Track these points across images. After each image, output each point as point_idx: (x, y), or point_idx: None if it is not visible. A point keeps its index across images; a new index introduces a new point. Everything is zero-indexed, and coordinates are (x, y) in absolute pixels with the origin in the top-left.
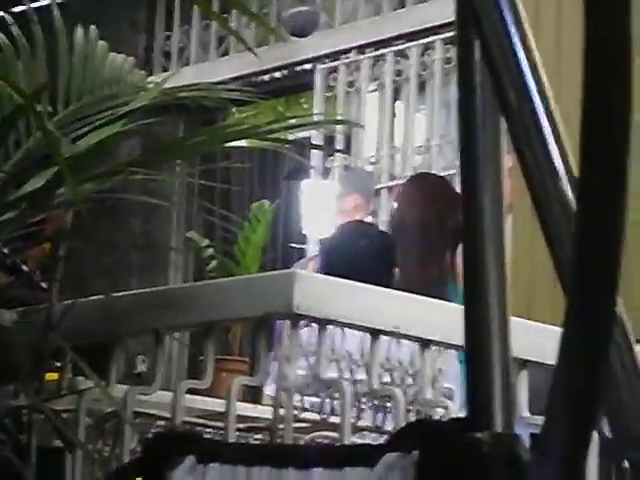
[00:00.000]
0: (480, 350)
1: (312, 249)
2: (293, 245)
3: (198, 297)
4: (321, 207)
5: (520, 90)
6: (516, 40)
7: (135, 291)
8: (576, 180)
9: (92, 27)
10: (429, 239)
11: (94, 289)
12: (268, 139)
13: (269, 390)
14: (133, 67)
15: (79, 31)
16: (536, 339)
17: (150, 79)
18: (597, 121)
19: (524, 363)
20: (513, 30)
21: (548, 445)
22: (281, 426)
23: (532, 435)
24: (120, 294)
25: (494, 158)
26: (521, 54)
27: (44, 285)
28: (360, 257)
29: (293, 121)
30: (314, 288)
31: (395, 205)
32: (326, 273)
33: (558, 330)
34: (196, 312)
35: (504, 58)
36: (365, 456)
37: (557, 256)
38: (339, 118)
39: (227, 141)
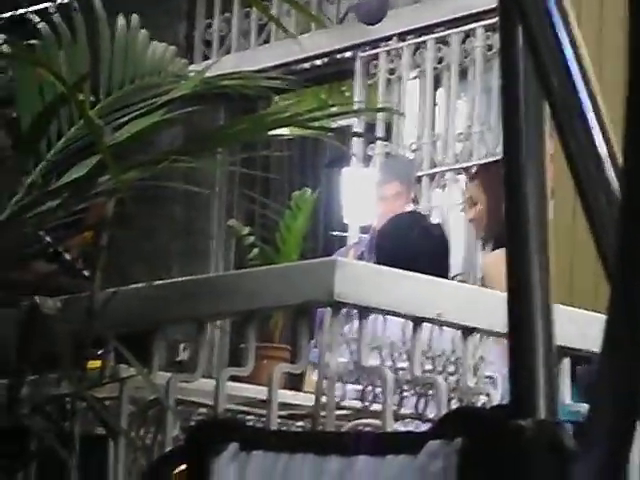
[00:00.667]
0: (523, 337)
1: (353, 237)
2: (334, 233)
3: (239, 285)
4: (362, 195)
5: (563, 76)
6: (559, 26)
7: (177, 279)
8: (620, 168)
9: (134, 15)
10: None
11: (135, 277)
12: (310, 127)
13: (312, 377)
14: (174, 56)
15: (120, 20)
16: (578, 326)
17: (191, 68)
18: None
19: (566, 350)
20: (556, 16)
21: (593, 434)
22: (323, 413)
23: (575, 423)
24: (161, 282)
25: (538, 144)
26: (564, 40)
27: (86, 273)
28: (415, 248)
29: (334, 109)
30: (355, 275)
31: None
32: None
33: (600, 317)
34: (237, 300)
35: (547, 44)
36: (408, 443)
37: (600, 243)
38: (380, 106)
39: (269, 129)
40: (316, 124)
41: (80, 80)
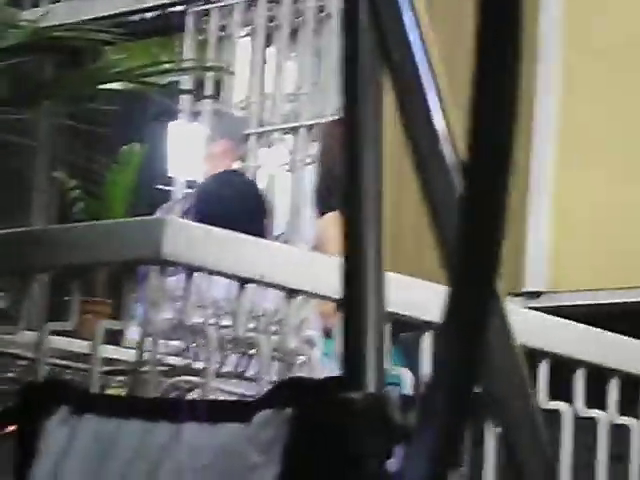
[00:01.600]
0: (355, 309)
1: (178, 192)
2: (159, 187)
3: (67, 239)
4: (188, 150)
5: (404, 47)
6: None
7: (1, 231)
8: (464, 160)
9: None
10: None
11: None
12: (141, 83)
13: (132, 333)
14: (4, 3)
15: None
16: (403, 292)
17: (23, 15)
18: (484, 108)
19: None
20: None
21: (428, 409)
22: (144, 369)
23: (404, 396)
24: None
25: (375, 108)
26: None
27: None
28: (232, 207)
29: (166, 66)
30: (183, 235)
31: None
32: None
33: (423, 283)
34: (64, 254)
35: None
36: (239, 412)
37: (438, 224)
38: (210, 64)
39: (100, 84)
40: (148, 80)
41: None
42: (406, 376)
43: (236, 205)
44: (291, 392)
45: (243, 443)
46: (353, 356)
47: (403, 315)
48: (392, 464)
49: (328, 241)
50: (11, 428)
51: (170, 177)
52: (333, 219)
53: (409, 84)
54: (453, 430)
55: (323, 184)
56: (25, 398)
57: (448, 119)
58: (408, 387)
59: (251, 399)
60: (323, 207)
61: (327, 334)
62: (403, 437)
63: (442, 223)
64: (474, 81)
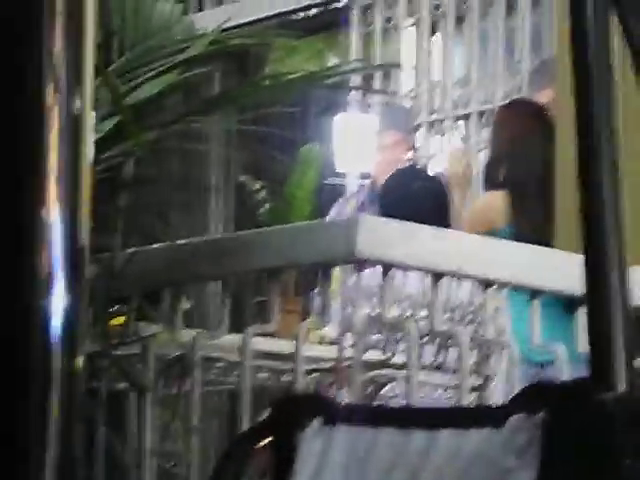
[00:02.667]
0: (600, 307)
1: (350, 185)
2: (332, 182)
3: (263, 243)
4: (358, 142)
5: None
6: None
7: (199, 238)
8: None
9: None
10: None
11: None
12: (313, 85)
13: (329, 331)
14: (181, 14)
15: None
16: None
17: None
18: None
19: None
20: None
21: None
22: (346, 364)
23: None
24: (183, 242)
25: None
26: None
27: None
28: (413, 201)
29: (334, 64)
30: (377, 232)
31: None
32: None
33: None
34: (261, 258)
35: None
36: (491, 417)
37: None
38: (379, 63)
39: (272, 93)
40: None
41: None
42: (561, 352)
43: (423, 201)
44: (541, 395)
45: (497, 448)
46: (601, 356)
47: None
48: None
49: (483, 213)
50: (263, 443)
51: (338, 171)
52: (497, 195)
53: None
54: None
55: (492, 165)
56: (279, 411)
57: None
58: (562, 362)
59: (503, 402)
60: (490, 186)
61: None
62: None
63: None
64: None
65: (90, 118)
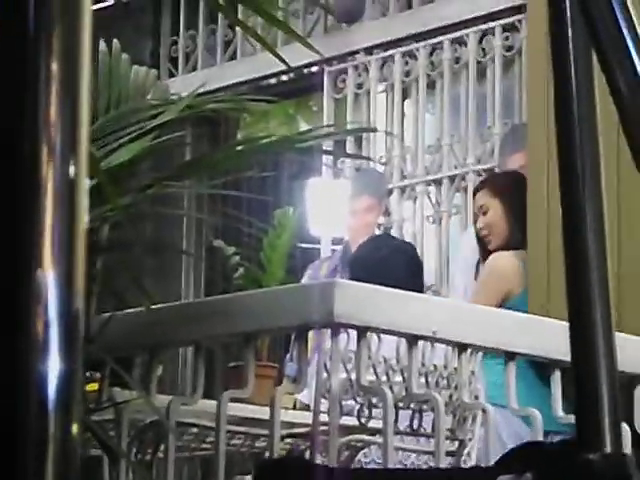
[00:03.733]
0: (587, 370)
1: (324, 249)
2: (305, 246)
3: (238, 308)
4: (331, 207)
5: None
6: None
7: (174, 303)
8: None
9: (115, 40)
10: None
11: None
12: (287, 150)
13: (303, 397)
14: (155, 79)
15: (102, 44)
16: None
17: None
18: None
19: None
20: None
21: None
22: (322, 429)
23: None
24: (159, 306)
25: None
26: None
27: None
28: (384, 268)
29: (313, 133)
30: (354, 296)
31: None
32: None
33: None
34: (236, 322)
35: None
36: (480, 478)
37: None
38: (354, 127)
39: (246, 157)
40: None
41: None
42: (536, 416)
43: (394, 268)
44: (529, 456)
45: None
46: (588, 418)
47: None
48: None
49: (503, 275)
50: None
51: (312, 235)
52: (508, 256)
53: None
54: None
55: (509, 224)
56: (264, 474)
57: None
58: (538, 428)
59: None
60: (485, 253)
61: None
62: None
63: None
64: None
65: (84, 182)
